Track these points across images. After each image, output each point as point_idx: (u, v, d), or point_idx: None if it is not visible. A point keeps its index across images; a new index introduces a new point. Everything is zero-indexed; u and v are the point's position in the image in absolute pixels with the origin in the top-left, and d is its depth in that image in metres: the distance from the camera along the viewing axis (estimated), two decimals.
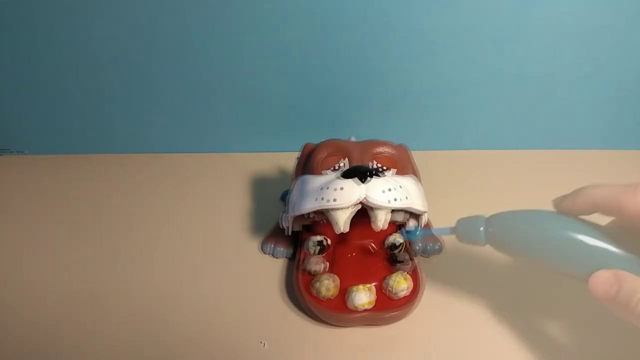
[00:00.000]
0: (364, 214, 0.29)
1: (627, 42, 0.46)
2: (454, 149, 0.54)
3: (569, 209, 0.23)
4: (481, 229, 0.26)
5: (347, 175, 0.29)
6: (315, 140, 0.37)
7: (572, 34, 0.46)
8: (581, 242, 0.22)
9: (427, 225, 0.38)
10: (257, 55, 0.49)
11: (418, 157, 0.38)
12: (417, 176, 0.35)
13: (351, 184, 0.29)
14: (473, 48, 0.47)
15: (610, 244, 0.22)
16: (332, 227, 0.34)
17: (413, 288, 0.31)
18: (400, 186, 0.30)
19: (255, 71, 0.50)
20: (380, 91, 0.51)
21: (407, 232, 0.30)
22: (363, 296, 0.29)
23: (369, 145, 0.34)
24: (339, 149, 0.33)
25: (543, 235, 0.23)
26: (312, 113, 0.53)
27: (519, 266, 0.35)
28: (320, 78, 0.50)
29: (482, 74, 0.49)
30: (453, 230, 0.27)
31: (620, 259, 0.21)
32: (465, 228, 0.27)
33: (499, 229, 0.25)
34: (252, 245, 0.39)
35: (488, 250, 0.36)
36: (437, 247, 0.37)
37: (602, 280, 0.20)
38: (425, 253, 0.37)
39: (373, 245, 0.35)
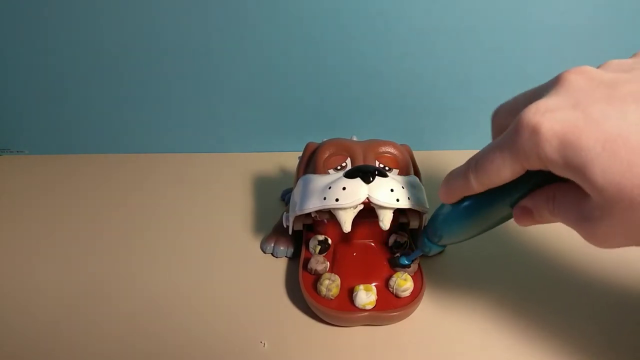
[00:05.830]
0: (365, 213, 0.29)
1: (627, 42, 0.46)
2: (454, 149, 0.54)
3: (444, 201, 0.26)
4: (426, 240, 0.29)
5: (350, 175, 0.29)
6: (315, 140, 0.37)
7: (572, 34, 0.46)
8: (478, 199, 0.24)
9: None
10: (258, 55, 0.49)
11: (418, 157, 0.38)
12: (419, 176, 0.35)
13: (355, 184, 0.29)
14: (473, 48, 0.47)
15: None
16: (333, 226, 0.34)
17: (415, 288, 0.31)
18: (402, 187, 0.30)
19: (256, 71, 0.50)
20: (380, 91, 0.51)
21: (401, 263, 0.31)
22: (364, 296, 0.29)
23: (372, 144, 0.33)
24: (342, 148, 0.33)
25: (455, 213, 0.26)
26: (312, 113, 0.53)
27: (520, 266, 0.36)
28: (320, 78, 0.50)
29: (482, 74, 0.49)
30: (422, 251, 0.30)
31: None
32: (422, 246, 0.30)
33: (429, 231, 0.28)
34: (253, 244, 0.39)
35: (489, 250, 0.37)
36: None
37: (519, 212, 0.22)
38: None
39: (374, 244, 0.34)
